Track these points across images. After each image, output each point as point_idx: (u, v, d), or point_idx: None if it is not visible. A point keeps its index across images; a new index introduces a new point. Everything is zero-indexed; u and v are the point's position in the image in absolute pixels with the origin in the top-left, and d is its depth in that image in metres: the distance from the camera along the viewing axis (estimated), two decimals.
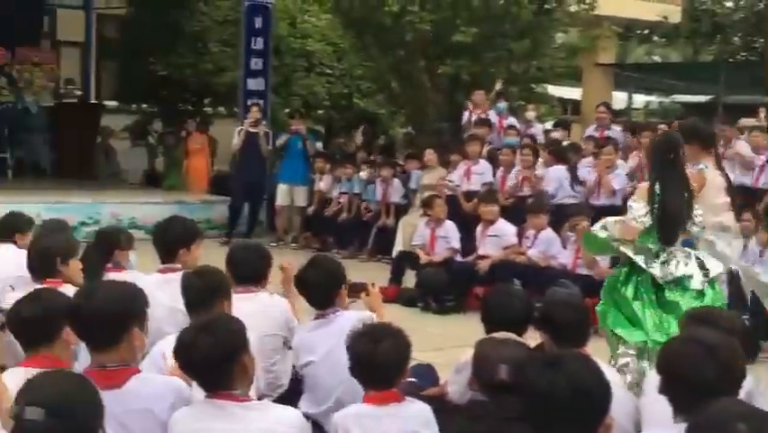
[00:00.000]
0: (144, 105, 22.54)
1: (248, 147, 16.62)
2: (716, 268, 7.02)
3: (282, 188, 16.82)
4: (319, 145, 18.86)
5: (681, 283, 6.85)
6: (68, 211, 15.28)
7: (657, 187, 6.93)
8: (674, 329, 6.25)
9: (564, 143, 15.13)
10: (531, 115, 16.82)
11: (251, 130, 16.54)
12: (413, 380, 5.51)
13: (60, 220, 8.30)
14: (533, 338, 5.34)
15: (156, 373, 4.58)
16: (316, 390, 5.60)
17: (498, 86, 16.49)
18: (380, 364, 4.38)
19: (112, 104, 23.23)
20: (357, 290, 5.97)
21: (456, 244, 12.53)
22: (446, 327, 10.88)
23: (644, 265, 6.84)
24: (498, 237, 12.24)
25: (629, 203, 7.20)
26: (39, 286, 5.47)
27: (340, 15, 18.43)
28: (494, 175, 14.19)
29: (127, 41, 22.16)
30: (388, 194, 15.70)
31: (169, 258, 6.19)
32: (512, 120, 16.31)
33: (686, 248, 7.04)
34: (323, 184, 16.70)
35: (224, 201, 17.77)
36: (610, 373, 4.02)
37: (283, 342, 5.97)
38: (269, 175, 17.00)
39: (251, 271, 5.98)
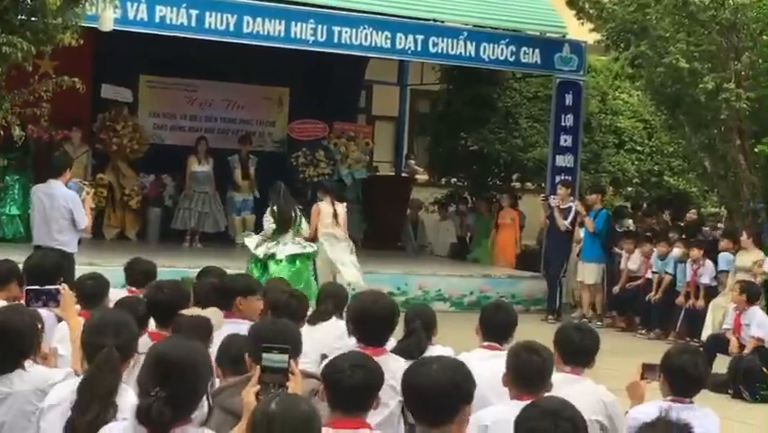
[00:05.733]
0: (454, 180, 22.93)
1: (552, 223, 16.89)
2: (291, 250, 13.30)
3: (581, 265, 16.84)
4: (629, 223, 18.63)
5: (273, 256, 13.21)
6: (377, 281, 15.68)
7: (275, 208, 13.49)
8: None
9: None
10: None
11: (561, 206, 16.76)
12: None
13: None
14: None
15: None
16: None
17: None
18: None
19: (422, 177, 23.77)
20: (652, 371, 5.82)
21: (758, 332, 12.05)
22: (758, 416, 10.43)
23: (252, 250, 13.40)
24: None
25: (264, 218, 13.77)
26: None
27: (652, 92, 18.13)
28: None
29: (439, 116, 22.67)
30: (698, 275, 15.30)
31: (494, 339, 6.36)
32: None
33: (289, 236, 13.39)
34: (631, 263, 16.45)
35: (530, 277, 17.85)
36: None
37: (600, 428, 5.86)
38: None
39: (582, 355, 5.93)
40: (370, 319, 5.85)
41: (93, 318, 4.79)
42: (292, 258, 13.37)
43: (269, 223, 13.59)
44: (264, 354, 4.21)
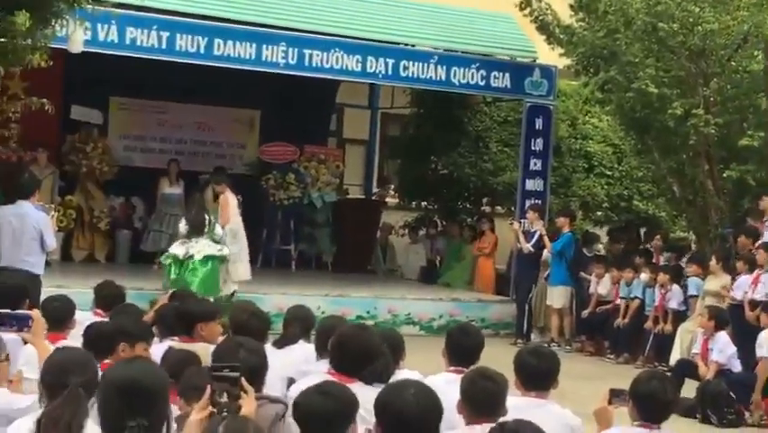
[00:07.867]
0: (424, 203, 22.93)
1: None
2: (208, 251, 14.44)
3: (549, 290, 16.87)
4: (599, 247, 18.71)
5: (191, 256, 14.35)
6: (347, 305, 15.76)
7: (188, 216, 14.94)
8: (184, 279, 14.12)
9: None
10: None
11: (530, 230, 16.86)
12: None
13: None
14: None
15: None
16: None
17: None
18: None
19: (392, 200, 23.78)
20: (619, 396, 5.79)
21: (720, 358, 12.16)
22: None
23: (172, 249, 14.69)
24: None
25: (180, 223, 15.15)
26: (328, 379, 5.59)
27: (621, 117, 18.21)
28: None
29: (409, 139, 22.68)
30: (666, 299, 15.35)
31: (460, 363, 6.29)
32: None
33: (201, 239, 14.56)
34: (601, 288, 16.49)
35: (499, 301, 17.88)
36: None
37: None
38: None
39: (541, 378, 5.91)
40: (354, 352, 5.73)
41: (55, 357, 4.66)
42: (206, 259, 14.47)
43: (182, 225, 14.85)
44: (215, 374, 4.11)
